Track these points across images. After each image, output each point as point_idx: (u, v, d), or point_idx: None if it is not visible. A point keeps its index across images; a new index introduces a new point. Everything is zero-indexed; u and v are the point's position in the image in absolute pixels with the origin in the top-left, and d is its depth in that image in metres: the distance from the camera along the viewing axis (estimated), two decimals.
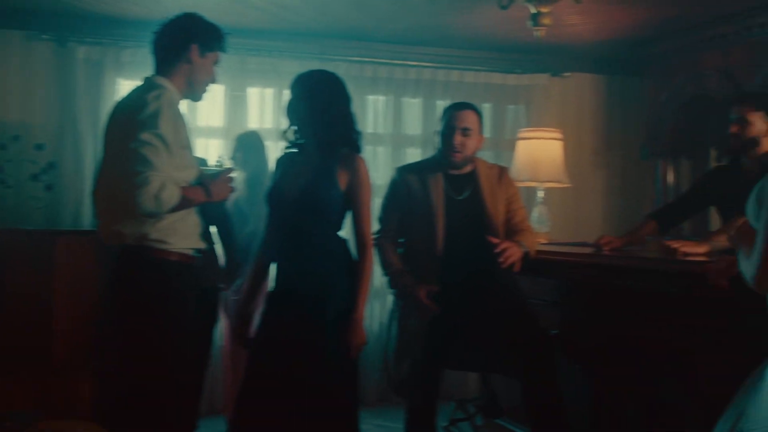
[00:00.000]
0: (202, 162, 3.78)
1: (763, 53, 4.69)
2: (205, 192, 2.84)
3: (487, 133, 5.34)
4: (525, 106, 5.77)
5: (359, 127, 3.08)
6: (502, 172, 3.61)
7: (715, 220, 4.42)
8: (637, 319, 3.29)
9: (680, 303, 3.02)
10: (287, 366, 2.88)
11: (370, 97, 5.57)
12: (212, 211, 3.31)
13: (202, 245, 2.96)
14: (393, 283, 3.45)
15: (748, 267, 2.10)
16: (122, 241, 2.74)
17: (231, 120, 5.33)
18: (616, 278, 3.28)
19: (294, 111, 3.03)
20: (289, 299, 2.98)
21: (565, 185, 5.13)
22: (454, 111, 3.49)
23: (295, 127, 3.06)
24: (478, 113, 3.54)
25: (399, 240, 3.52)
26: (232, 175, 2.99)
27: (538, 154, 4.97)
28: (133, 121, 2.63)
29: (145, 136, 2.61)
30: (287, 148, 3.15)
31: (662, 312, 3.15)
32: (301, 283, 2.96)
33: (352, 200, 2.95)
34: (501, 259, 3.25)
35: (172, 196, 2.65)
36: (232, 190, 2.98)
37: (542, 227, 4.96)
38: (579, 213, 5.83)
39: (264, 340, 3.01)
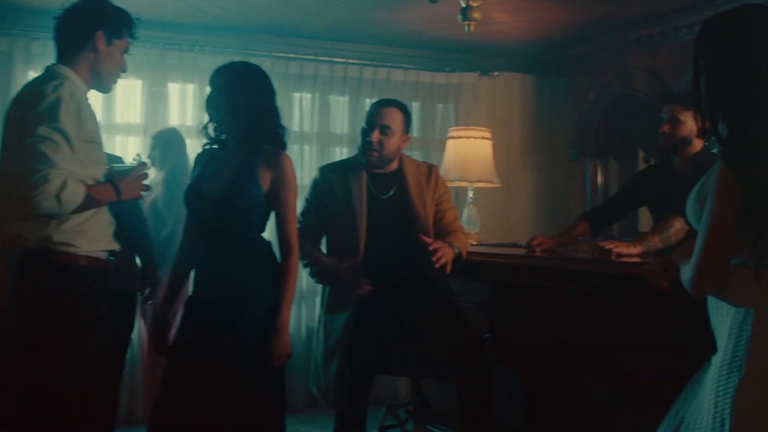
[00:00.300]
0: (118, 160, 3.56)
1: (690, 54, 4.53)
2: (115, 190, 2.65)
3: (416, 132, 5.40)
4: (454, 105, 5.71)
5: (284, 123, 2.92)
6: (430, 171, 3.50)
7: (644, 220, 4.40)
8: (571, 323, 3.21)
9: (616, 306, 2.94)
10: (206, 374, 2.71)
11: (296, 95, 5.44)
12: (126, 212, 3.11)
13: (115, 247, 2.76)
14: (314, 270, 3.33)
15: (686, 270, 2.02)
16: (24, 245, 2.53)
17: (150, 116, 5.12)
18: (549, 280, 3.19)
19: (214, 105, 2.87)
20: (208, 304, 2.81)
21: (495, 185, 5.06)
22: (376, 108, 3.40)
23: (215, 123, 2.89)
24: (403, 111, 3.44)
25: (319, 239, 3.44)
26: (145, 171, 2.81)
27: (467, 153, 4.89)
28: (31, 115, 2.43)
29: (43, 130, 2.41)
30: (206, 144, 2.98)
31: (597, 315, 3.06)
32: (222, 287, 2.79)
33: (276, 200, 2.80)
34: (433, 259, 3.14)
35: (75, 195, 2.46)
36: (144, 188, 2.80)
37: (472, 228, 4.88)
38: (509, 214, 5.80)
39: (182, 347, 2.83)
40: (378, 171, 3.39)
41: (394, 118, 3.37)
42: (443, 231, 3.45)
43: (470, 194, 4.99)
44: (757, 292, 1.90)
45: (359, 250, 3.27)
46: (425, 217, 3.40)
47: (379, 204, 3.35)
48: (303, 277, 4.47)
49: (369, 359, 3.30)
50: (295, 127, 5.33)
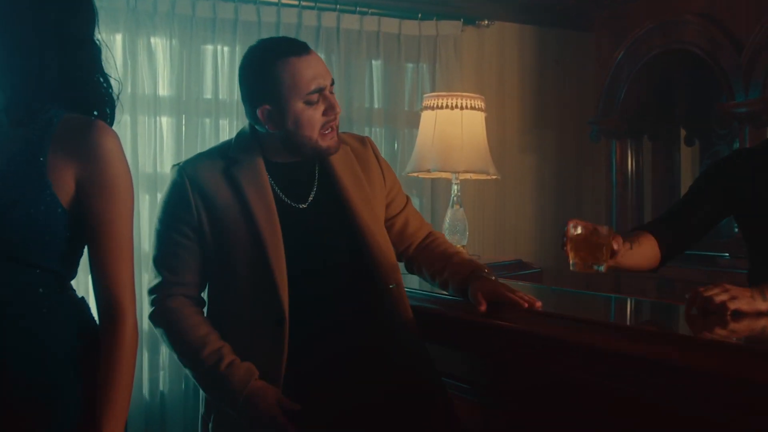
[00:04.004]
0: None
1: None
2: None
3: (376, 101, 4.36)
4: (429, 64, 4.51)
5: (114, 77, 1.74)
6: (364, 146, 2.32)
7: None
8: None
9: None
10: None
11: (207, 47, 4.01)
12: None
13: None
14: (212, 384, 2.04)
15: None
16: None
17: None
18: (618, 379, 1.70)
19: None
20: None
21: (491, 177, 3.78)
22: (304, 55, 2.10)
23: None
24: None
25: (200, 295, 2.16)
26: None
27: (450, 130, 3.66)
28: None
29: None
30: None
31: None
32: None
33: (91, 215, 1.61)
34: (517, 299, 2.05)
35: None
36: None
37: (459, 239, 3.66)
38: (505, 216, 4.81)
39: None
40: (284, 160, 2.16)
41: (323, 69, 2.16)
42: (407, 248, 2.33)
43: (455, 189, 3.73)
44: None
45: (278, 307, 2.01)
46: (378, 233, 2.19)
47: (295, 220, 2.13)
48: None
49: None
50: (208, 94, 3.98)
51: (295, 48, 2.04)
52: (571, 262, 1.99)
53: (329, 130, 2.06)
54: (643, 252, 2.27)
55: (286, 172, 2.11)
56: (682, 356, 1.56)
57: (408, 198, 2.37)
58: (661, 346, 1.64)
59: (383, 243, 2.14)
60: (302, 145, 2.05)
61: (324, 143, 2.06)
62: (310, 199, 2.12)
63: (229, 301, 2.04)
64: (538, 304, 2.02)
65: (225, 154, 2.11)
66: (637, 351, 1.65)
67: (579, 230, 1.99)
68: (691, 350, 1.58)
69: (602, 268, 1.96)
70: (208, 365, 1.97)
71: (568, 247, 1.98)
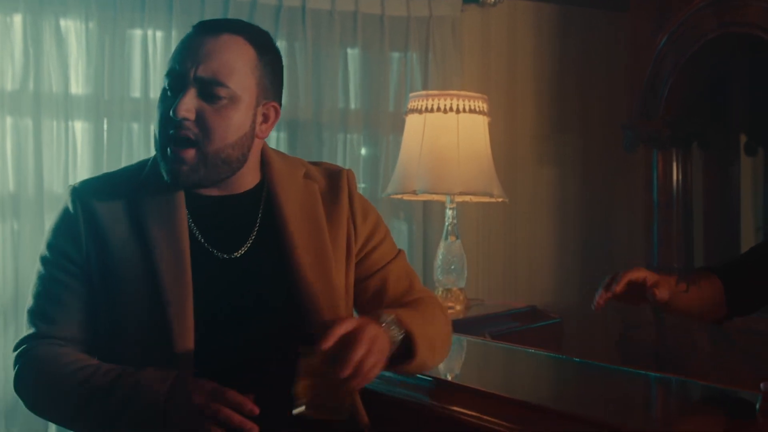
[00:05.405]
0: None
1: None
2: None
3: (353, 101, 3.92)
4: (420, 53, 4.08)
5: None
6: (337, 183, 2.00)
7: None
8: None
9: None
10: None
11: (136, 32, 3.56)
12: None
13: None
14: (118, 405, 1.71)
15: None
16: None
17: None
18: None
19: None
20: None
21: (495, 200, 3.47)
22: (192, 39, 1.82)
23: None
24: (256, 44, 1.87)
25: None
26: None
27: (445, 140, 3.34)
28: None
29: None
30: None
31: None
32: None
33: None
34: (344, 372, 1.64)
35: None
36: None
37: (455, 280, 3.32)
38: (512, 251, 4.36)
39: None
40: (208, 193, 1.90)
41: (233, 58, 1.82)
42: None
43: (449, 216, 3.37)
44: None
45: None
46: (333, 292, 1.89)
47: (218, 275, 1.86)
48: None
49: None
50: (136, 92, 3.59)
51: None
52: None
53: None
54: (703, 296, 2.10)
55: (215, 209, 1.83)
56: None
57: (398, 252, 2.02)
58: None
59: (323, 299, 1.83)
60: None
61: None
62: (246, 247, 1.84)
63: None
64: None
65: (137, 176, 1.86)
66: None
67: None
68: None
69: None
70: (106, 384, 1.68)
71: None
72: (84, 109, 3.39)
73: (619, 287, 1.97)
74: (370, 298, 1.94)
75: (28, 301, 1.85)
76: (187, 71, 1.70)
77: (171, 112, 1.68)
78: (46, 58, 3.29)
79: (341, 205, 1.94)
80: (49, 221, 3.40)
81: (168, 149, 1.70)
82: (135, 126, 3.53)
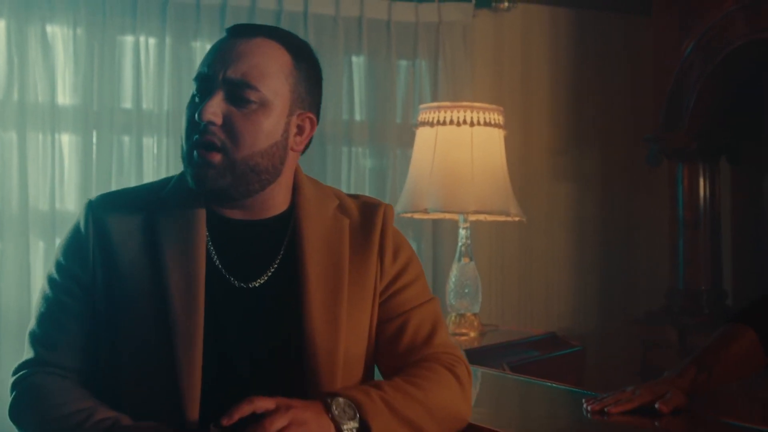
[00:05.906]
0: None
1: None
2: None
3: (357, 113, 3.88)
4: (430, 62, 4.01)
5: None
6: (372, 221, 1.88)
7: None
8: None
9: None
10: None
11: (128, 38, 3.51)
12: None
13: None
14: None
15: None
16: None
17: None
18: None
19: None
20: None
21: (511, 218, 3.38)
22: (222, 43, 1.74)
23: None
24: (292, 49, 1.76)
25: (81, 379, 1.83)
26: None
27: (457, 155, 3.23)
28: None
29: None
30: None
31: None
32: None
33: None
34: None
35: None
36: None
37: (469, 304, 3.19)
38: (530, 272, 4.25)
39: None
40: (232, 215, 1.81)
41: (265, 61, 1.72)
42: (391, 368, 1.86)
43: (463, 236, 3.24)
44: None
45: (183, 422, 1.68)
46: (337, 335, 1.78)
47: (232, 304, 1.78)
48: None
49: None
50: (127, 103, 3.53)
51: None
52: None
53: None
54: (736, 357, 1.95)
55: (238, 233, 1.78)
56: None
57: (430, 299, 1.88)
58: None
59: (321, 342, 1.75)
60: None
61: None
62: (265, 277, 1.77)
63: (114, 397, 1.73)
64: None
65: (158, 192, 1.82)
66: None
67: None
68: None
69: None
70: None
71: None
72: (72, 121, 3.34)
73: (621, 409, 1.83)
74: (386, 342, 1.82)
75: (31, 323, 1.80)
76: (216, 74, 1.63)
77: (196, 116, 1.61)
78: (31, 67, 3.24)
79: (372, 241, 1.84)
80: (33, 239, 3.32)
81: (194, 152, 1.63)
82: (126, 139, 3.50)
